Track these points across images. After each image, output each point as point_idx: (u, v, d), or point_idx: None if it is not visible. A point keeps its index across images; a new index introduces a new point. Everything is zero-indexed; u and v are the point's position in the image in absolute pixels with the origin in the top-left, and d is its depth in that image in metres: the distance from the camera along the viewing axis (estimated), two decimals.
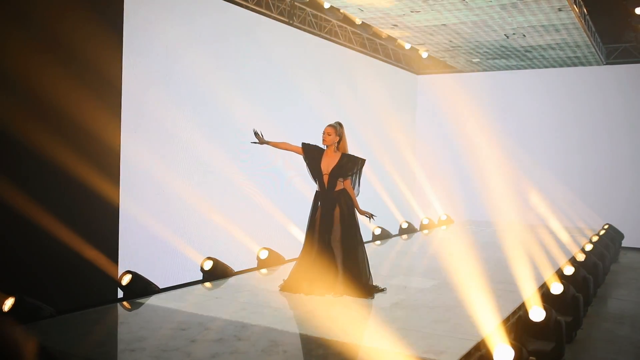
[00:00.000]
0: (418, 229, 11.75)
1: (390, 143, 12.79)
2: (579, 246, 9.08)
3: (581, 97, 12.86)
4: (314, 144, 5.77)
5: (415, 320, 4.87)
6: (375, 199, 11.33)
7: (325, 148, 5.68)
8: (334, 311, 5.12)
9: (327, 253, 5.53)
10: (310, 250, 5.64)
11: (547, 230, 11.05)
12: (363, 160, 5.68)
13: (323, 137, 5.62)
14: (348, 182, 5.64)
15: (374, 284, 5.77)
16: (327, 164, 5.62)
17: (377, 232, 10.26)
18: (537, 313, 4.78)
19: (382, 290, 5.77)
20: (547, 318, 4.77)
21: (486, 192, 12.90)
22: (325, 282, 5.51)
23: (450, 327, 4.65)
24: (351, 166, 5.59)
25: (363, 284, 5.53)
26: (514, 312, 5.18)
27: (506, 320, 5.04)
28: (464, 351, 4.04)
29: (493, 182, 12.95)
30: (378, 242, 9.87)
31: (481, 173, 13.09)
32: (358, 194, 5.74)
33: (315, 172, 5.64)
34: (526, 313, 4.89)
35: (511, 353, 3.68)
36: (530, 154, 13.22)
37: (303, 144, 5.76)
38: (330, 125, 5.61)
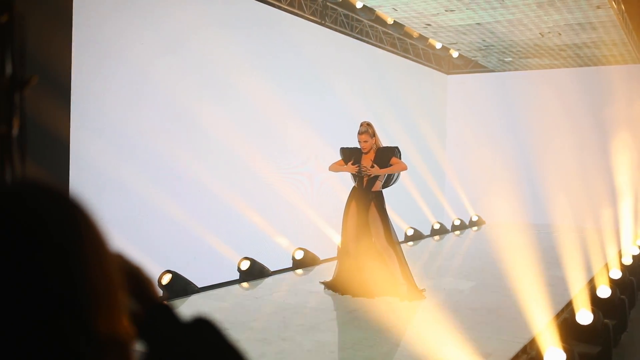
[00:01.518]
0: (449, 230, 11.65)
1: (420, 143, 12.70)
2: (622, 248, 8.87)
3: (617, 96, 12.61)
4: (353, 146, 5.76)
5: (458, 322, 4.81)
6: (407, 199, 11.26)
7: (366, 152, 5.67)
8: (376, 312, 5.08)
9: (368, 253, 5.51)
10: (349, 249, 5.63)
11: (584, 232, 10.86)
12: (394, 148, 5.66)
13: (361, 145, 5.60)
14: (395, 159, 5.57)
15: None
16: (366, 164, 5.61)
17: (410, 232, 10.20)
18: (584, 316, 4.69)
19: (422, 291, 5.72)
20: (594, 321, 4.68)
21: (518, 193, 12.75)
22: (368, 283, 5.49)
23: (495, 329, 4.59)
24: (387, 155, 5.56)
25: (411, 285, 5.48)
26: (558, 315, 5.09)
27: (552, 322, 4.96)
28: (511, 353, 3.99)
29: (525, 183, 12.80)
30: (410, 242, 9.80)
31: (513, 173, 12.94)
32: (393, 183, 5.73)
33: (356, 173, 5.64)
34: (572, 316, 4.80)
35: (563, 356, 3.61)
36: (562, 154, 13.01)
37: (341, 149, 5.78)
38: (363, 133, 5.57)
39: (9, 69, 0.95)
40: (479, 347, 4.13)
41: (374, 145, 5.61)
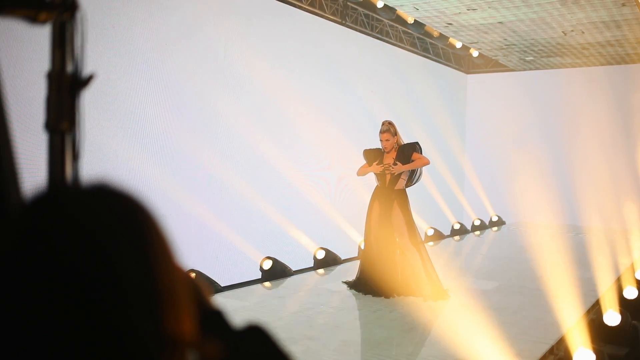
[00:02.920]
0: (470, 230, 11.59)
1: (440, 143, 12.64)
2: None
3: None
4: (376, 147, 5.76)
5: (483, 323, 4.79)
6: (427, 199, 11.22)
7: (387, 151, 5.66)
8: (400, 312, 5.08)
9: (391, 253, 5.50)
10: (372, 249, 5.63)
11: (609, 233, 10.73)
12: (415, 143, 5.63)
13: (383, 144, 5.59)
14: (416, 154, 5.55)
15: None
16: (389, 162, 5.60)
17: (430, 232, 10.16)
18: (612, 317, 4.63)
19: (446, 291, 5.70)
20: (622, 322, 4.62)
21: (538, 193, 12.63)
22: (391, 283, 5.48)
23: (521, 330, 4.55)
24: (408, 151, 5.54)
25: (435, 285, 5.46)
26: (585, 315, 5.04)
27: (579, 324, 4.92)
28: (539, 354, 3.96)
29: (546, 183, 12.67)
30: (431, 243, 9.76)
31: (533, 173, 12.83)
32: (416, 181, 5.70)
33: (381, 172, 5.63)
34: (600, 316, 4.75)
35: (592, 357, 3.57)
36: (584, 154, 12.86)
37: (364, 151, 5.79)
38: (385, 132, 5.56)
39: (70, 67, 0.96)
40: (506, 347, 4.11)
41: (396, 144, 5.60)
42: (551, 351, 4.09)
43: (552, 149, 13.01)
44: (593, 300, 5.46)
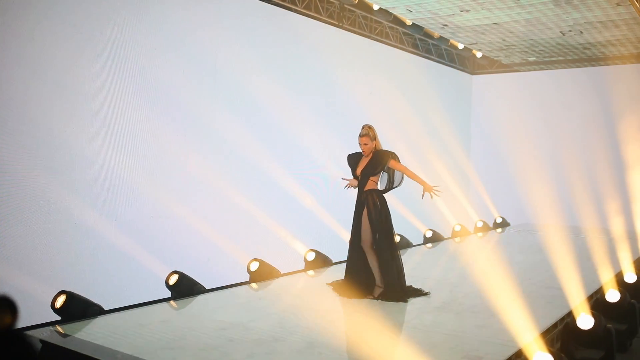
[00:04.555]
0: (472, 232, 11.52)
1: (444, 144, 12.60)
2: None
3: None
4: (356, 151, 5.78)
5: (457, 325, 4.79)
6: (427, 201, 11.16)
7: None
8: (375, 314, 5.10)
9: (361, 256, 5.56)
10: (352, 253, 5.68)
11: (610, 235, 10.61)
12: (391, 153, 5.58)
13: (361, 148, 5.61)
14: (393, 162, 5.55)
15: (415, 287, 5.74)
16: (362, 165, 5.64)
17: (429, 234, 10.12)
18: (585, 320, 4.60)
19: (426, 294, 5.71)
20: (595, 325, 4.58)
21: (543, 195, 12.52)
22: (364, 285, 5.52)
23: (493, 333, 4.54)
24: (379, 159, 5.54)
25: (396, 286, 5.48)
26: (562, 319, 5.00)
27: (553, 327, 4.89)
28: (503, 357, 3.95)
29: (550, 184, 12.56)
30: (429, 244, 9.73)
31: (538, 175, 12.72)
32: (397, 186, 5.69)
33: (355, 176, 5.67)
34: (574, 320, 4.72)
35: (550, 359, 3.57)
36: (590, 155, 12.71)
37: (348, 156, 5.80)
38: (364, 136, 5.56)
39: None
40: (471, 350, 4.11)
41: (374, 149, 5.62)
42: (518, 355, 4.07)
43: (557, 150, 12.89)
44: (574, 304, 5.41)
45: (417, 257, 8.47)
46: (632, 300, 5.65)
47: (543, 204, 12.46)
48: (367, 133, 5.56)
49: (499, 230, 12.22)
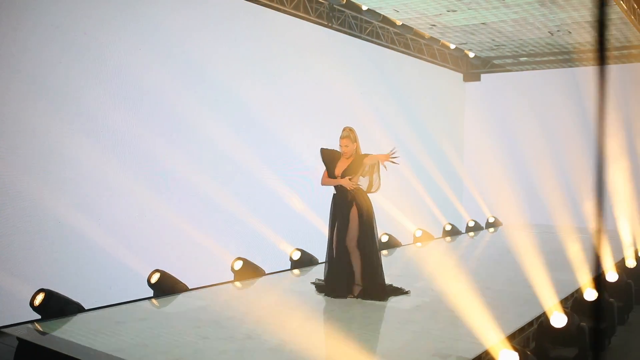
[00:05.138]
0: (463, 232, 11.55)
1: (437, 145, 12.62)
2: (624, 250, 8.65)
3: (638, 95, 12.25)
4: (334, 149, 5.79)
5: (431, 324, 4.83)
6: (418, 201, 11.22)
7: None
8: (353, 313, 5.14)
9: (345, 255, 5.57)
10: (332, 252, 5.70)
11: (599, 235, 10.58)
12: (365, 155, 5.63)
13: (342, 149, 5.63)
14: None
15: (395, 286, 5.78)
16: (342, 166, 5.65)
17: (418, 234, 10.15)
18: (558, 319, 4.63)
19: (406, 292, 5.75)
20: (568, 324, 4.61)
21: (536, 195, 12.53)
22: (345, 284, 5.56)
23: (466, 332, 4.57)
24: (359, 164, 5.57)
25: (377, 285, 5.53)
26: (538, 318, 5.03)
27: (529, 326, 4.92)
28: (472, 355, 3.98)
29: (543, 184, 12.56)
30: (419, 244, 9.77)
31: (531, 174, 12.72)
32: (377, 190, 5.72)
33: (332, 175, 5.68)
34: (547, 319, 4.75)
35: (516, 357, 3.60)
36: (583, 155, 12.70)
37: (321, 149, 5.80)
38: (345, 137, 5.59)
39: None
40: (441, 348, 4.14)
41: (354, 152, 5.64)
42: (488, 353, 4.10)
43: (550, 150, 12.89)
44: (551, 303, 5.44)
45: (406, 256, 8.52)
46: (611, 299, 5.68)
47: (535, 204, 12.47)
48: (348, 135, 5.59)
49: (492, 229, 12.26)
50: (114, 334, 4.40)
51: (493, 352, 3.96)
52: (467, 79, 14.28)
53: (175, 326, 4.66)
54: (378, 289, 5.54)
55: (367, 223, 5.57)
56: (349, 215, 5.59)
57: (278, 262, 7.46)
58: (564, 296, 5.72)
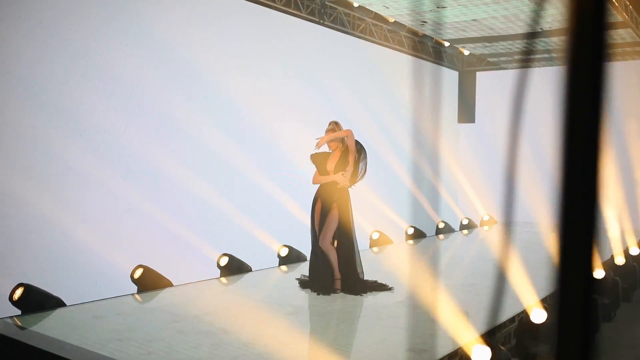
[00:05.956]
0: (457, 229, 11.53)
1: (431, 142, 12.58)
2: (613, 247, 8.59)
3: (635, 92, 12.18)
4: (321, 151, 5.78)
5: (410, 319, 4.81)
6: (411, 199, 11.18)
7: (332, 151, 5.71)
8: (333, 308, 5.13)
9: (324, 253, 5.58)
10: (314, 247, 5.71)
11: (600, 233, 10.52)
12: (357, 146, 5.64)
13: (328, 145, 5.64)
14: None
15: (380, 282, 5.77)
16: (332, 161, 5.65)
17: (410, 232, 10.13)
18: (537, 315, 4.61)
19: (390, 289, 5.74)
20: (548, 320, 4.59)
21: (531, 192, 12.48)
22: (331, 279, 5.56)
23: (444, 327, 4.55)
24: (348, 153, 5.57)
25: (351, 279, 5.53)
26: (519, 314, 5.01)
27: (510, 322, 4.90)
28: (447, 350, 3.96)
29: (539, 182, 12.51)
30: (411, 241, 9.75)
31: (527, 172, 12.68)
32: (362, 177, 5.71)
33: (323, 173, 5.68)
34: (527, 315, 4.73)
35: (488, 353, 3.58)
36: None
37: (311, 156, 5.77)
38: (330, 131, 5.61)
39: None
40: (418, 343, 4.13)
41: (341, 145, 5.63)
42: (464, 348, 4.08)
43: (547, 148, 12.84)
44: (535, 299, 5.42)
45: (396, 253, 8.51)
46: (595, 296, 5.64)
47: (531, 202, 12.42)
48: (333, 129, 5.60)
49: (486, 227, 12.23)
50: (90, 328, 4.39)
51: (467, 349, 3.93)
52: (462, 77, 14.23)
53: (153, 321, 4.66)
54: (351, 283, 5.54)
55: (343, 219, 5.56)
56: (330, 210, 5.59)
57: (266, 259, 7.44)
58: (546, 294, 5.69)
